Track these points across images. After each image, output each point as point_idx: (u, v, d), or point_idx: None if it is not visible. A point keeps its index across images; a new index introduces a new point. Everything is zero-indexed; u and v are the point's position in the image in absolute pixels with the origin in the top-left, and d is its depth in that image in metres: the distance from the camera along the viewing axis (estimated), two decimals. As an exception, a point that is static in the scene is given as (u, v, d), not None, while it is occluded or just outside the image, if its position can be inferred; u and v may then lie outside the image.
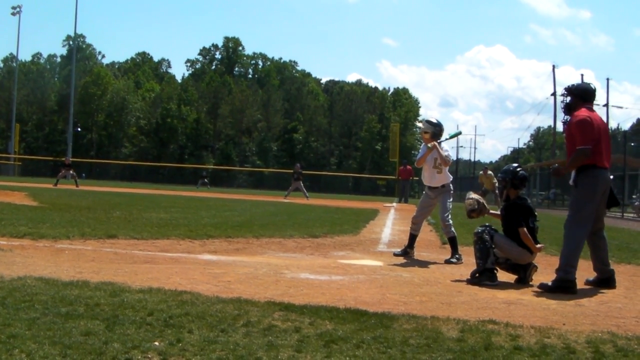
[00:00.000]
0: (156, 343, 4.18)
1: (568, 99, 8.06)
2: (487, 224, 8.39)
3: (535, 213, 8.38)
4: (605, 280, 7.96)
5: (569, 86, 8.12)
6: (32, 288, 5.70)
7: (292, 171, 41.61)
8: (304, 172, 43.04)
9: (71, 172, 43.65)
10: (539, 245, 8.12)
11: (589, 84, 8.31)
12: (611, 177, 8.07)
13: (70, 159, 47.69)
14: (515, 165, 8.75)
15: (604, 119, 8.19)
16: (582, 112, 7.76)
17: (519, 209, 8.20)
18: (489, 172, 34.42)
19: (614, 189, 8.12)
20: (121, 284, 6.17)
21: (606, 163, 7.80)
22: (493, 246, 7.98)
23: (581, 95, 7.99)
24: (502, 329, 5.03)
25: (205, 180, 60.27)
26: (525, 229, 8.00)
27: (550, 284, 7.50)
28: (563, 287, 7.39)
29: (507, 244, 8.02)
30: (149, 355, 3.94)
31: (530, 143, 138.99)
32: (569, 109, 8.02)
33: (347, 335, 4.60)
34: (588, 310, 6.19)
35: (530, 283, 7.97)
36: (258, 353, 4.08)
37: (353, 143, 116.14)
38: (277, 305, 5.53)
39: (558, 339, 4.81)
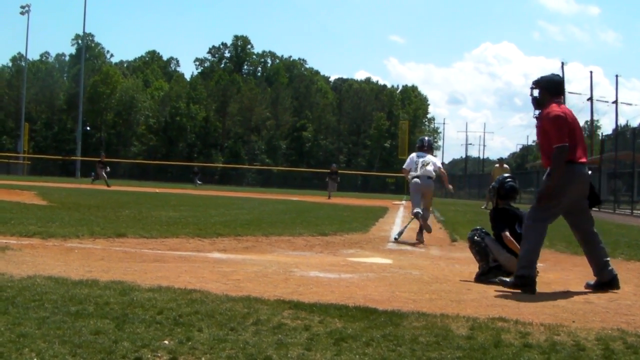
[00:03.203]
0: (166, 342, 4.18)
1: (536, 92, 7.75)
2: (477, 227, 8.37)
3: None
4: (606, 284, 7.51)
5: (537, 79, 7.78)
6: (41, 287, 5.72)
7: (328, 171, 41.61)
8: (313, 170, 43.26)
9: (107, 170, 43.71)
10: None
11: (556, 75, 7.95)
12: (589, 172, 7.78)
13: (105, 157, 47.88)
14: (507, 175, 8.71)
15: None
16: (555, 108, 7.47)
17: (503, 215, 8.13)
18: (505, 165, 32.33)
19: (594, 185, 7.82)
20: (131, 283, 6.18)
21: (584, 158, 7.53)
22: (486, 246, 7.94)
23: (548, 88, 7.68)
24: (512, 327, 5.02)
25: (198, 176, 60.46)
26: (507, 234, 7.89)
27: (509, 280, 7.28)
28: (522, 285, 7.10)
29: (496, 248, 7.93)
30: (159, 354, 3.95)
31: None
32: (538, 103, 7.70)
33: (357, 333, 4.60)
34: (598, 308, 6.17)
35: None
36: (268, 351, 4.08)
37: (362, 141, 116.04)
38: (286, 303, 5.53)
39: (568, 337, 4.80)
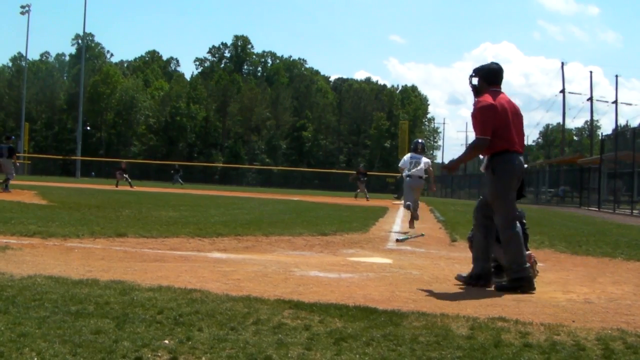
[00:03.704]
0: (166, 341, 4.18)
1: (475, 80, 7.66)
2: None
3: (524, 220, 8.23)
4: (479, 276, 7.38)
5: (476, 68, 7.67)
6: (42, 287, 5.72)
7: (355, 172, 41.51)
8: (313, 170, 43.15)
9: (125, 175, 44.32)
10: (527, 252, 7.94)
11: (495, 64, 7.87)
12: (525, 165, 7.74)
13: (125, 163, 48.51)
14: None
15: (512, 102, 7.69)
16: (487, 98, 7.40)
17: None
18: None
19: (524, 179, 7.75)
20: (131, 283, 6.18)
21: (519, 147, 7.48)
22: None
23: (486, 77, 7.60)
24: (512, 326, 5.02)
25: (179, 174, 60.45)
26: None
27: (506, 284, 7.22)
28: (521, 286, 7.05)
29: (497, 248, 7.88)
30: (159, 354, 3.95)
31: (540, 140, 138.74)
32: (476, 91, 7.63)
33: (357, 333, 4.60)
34: (597, 308, 6.17)
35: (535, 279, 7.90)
36: (268, 351, 4.08)
37: (362, 141, 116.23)
38: (286, 303, 5.53)
39: (568, 336, 4.80)
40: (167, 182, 63.89)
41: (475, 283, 7.34)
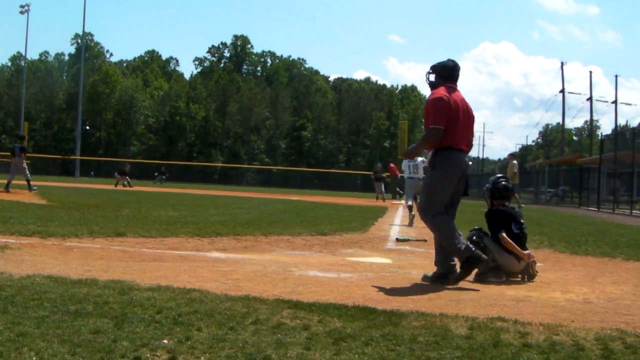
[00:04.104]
0: (165, 341, 4.18)
1: (432, 77, 7.77)
2: (476, 227, 8.33)
3: (522, 220, 8.22)
4: (444, 275, 7.44)
5: (433, 65, 7.76)
6: (40, 286, 5.72)
7: (371, 172, 41.42)
8: (312, 170, 42.98)
9: (127, 179, 44.17)
10: (526, 252, 7.96)
11: (451, 60, 7.94)
12: (469, 163, 7.76)
13: (128, 168, 48.01)
14: (499, 175, 8.68)
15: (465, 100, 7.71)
16: (440, 91, 7.50)
17: (498, 216, 8.09)
18: (514, 161, 31.39)
19: (467, 177, 7.81)
20: (130, 282, 6.18)
21: (464, 146, 7.54)
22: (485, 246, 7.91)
23: (441, 73, 7.71)
24: (511, 326, 5.02)
25: (164, 176, 60.59)
26: (504, 234, 7.85)
27: (458, 272, 7.39)
28: (470, 266, 7.32)
29: (495, 249, 7.88)
30: (158, 353, 3.94)
31: (539, 140, 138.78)
32: (433, 87, 7.72)
33: (356, 333, 4.60)
34: (597, 308, 6.16)
35: (534, 279, 7.91)
36: (267, 351, 4.08)
37: (361, 140, 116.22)
38: (285, 302, 5.53)
39: (567, 336, 4.79)
40: (167, 182, 63.86)
41: (441, 281, 7.42)
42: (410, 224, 16.74)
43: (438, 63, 7.79)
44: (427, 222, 7.55)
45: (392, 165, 39.68)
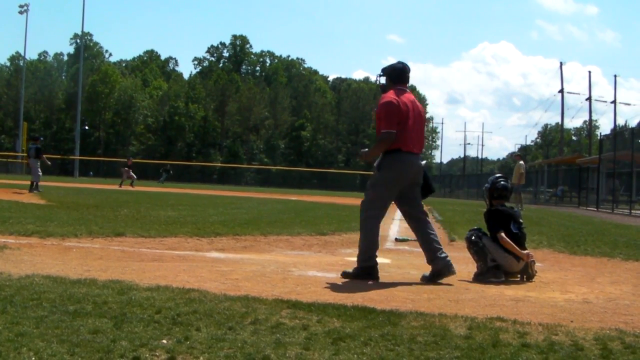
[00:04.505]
0: (164, 341, 4.18)
1: (383, 79, 7.85)
2: (475, 227, 8.32)
3: (521, 220, 8.21)
4: (439, 272, 7.51)
5: (383, 67, 7.84)
6: (39, 286, 5.71)
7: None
8: (312, 169, 42.99)
9: (131, 172, 43.91)
10: (525, 252, 7.95)
11: (400, 63, 8.01)
12: (422, 162, 7.83)
13: (132, 160, 47.91)
14: (498, 175, 8.67)
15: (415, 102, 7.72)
16: (390, 94, 7.57)
17: (497, 216, 8.08)
18: (521, 162, 30.67)
19: (429, 176, 7.96)
20: (129, 282, 6.18)
21: (414, 148, 7.60)
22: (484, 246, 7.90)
23: (391, 75, 7.79)
24: (510, 326, 5.02)
25: (167, 174, 60.45)
26: (502, 234, 7.83)
27: (351, 270, 7.53)
28: (366, 274, 7.40)
29: (494, 249, 7.87)
30: (157, 353, 3.94)
31: (538, 140, 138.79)
32: (384, 90, 7.80)
33: (355, 333, 4.59)
34: (596, 308, 6.16)
35: (533, 279, 7.90)
36: (266, 351, 4.08)
37: (360, 140, 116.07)
38: (284, 302, 5.52)
39: (566, 336, 4.79)
40: (167, 182, 63.81)
41: (440, 277, 7.53)
42: None
43: (388, 66, 7.88)
44: (360, 218, 7.68)
45: None
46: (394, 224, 17.24)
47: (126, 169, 44.12)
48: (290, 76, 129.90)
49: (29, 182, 26.48)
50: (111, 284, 6.03)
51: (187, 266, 7.86)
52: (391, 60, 8.24)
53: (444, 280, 7.52)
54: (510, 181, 8.88)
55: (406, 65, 7.91)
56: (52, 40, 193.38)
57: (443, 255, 7.57)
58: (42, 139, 31.18)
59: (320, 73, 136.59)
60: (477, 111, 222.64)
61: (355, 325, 4.83)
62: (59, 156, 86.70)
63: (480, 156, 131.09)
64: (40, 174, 27.09)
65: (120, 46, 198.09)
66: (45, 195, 22.75)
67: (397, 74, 7.79)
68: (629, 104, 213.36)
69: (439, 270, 7.50)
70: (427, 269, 7.83)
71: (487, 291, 7.00)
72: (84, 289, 5.69)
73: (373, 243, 7.58)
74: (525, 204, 34.64)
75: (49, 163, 30.39)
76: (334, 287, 6.83)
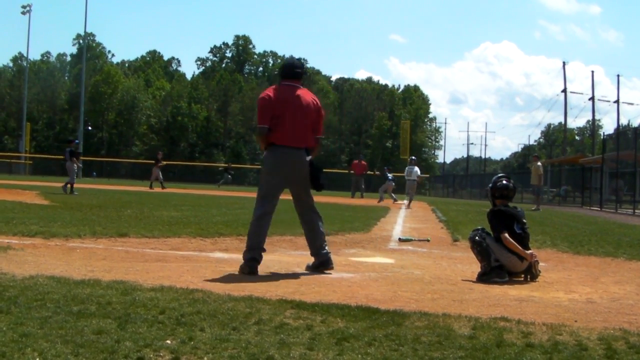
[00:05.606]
0: (168, 341, 4.18)
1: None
2: (479, 227, 8.29)
3: (524, 220, 8.19)
4: (322, 264, 7.95)
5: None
6: (43, 287, 5.72)
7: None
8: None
9: (160, 175, 40.46)
10: (529, 252, 7.93)
11: (290, 58, 8.21)
12: (308, 158, 7.98)
13: (161, 154, 43.86)
14: (500, 175, 8.65)
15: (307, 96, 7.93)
16: (266, 91, 7.85)
17: (500, 216, 8.06)
18: (538, 163, 30.70)
19: (320, 171, 8.17)
20: (133, 283, 6.18)
21: (292, 142, 7.75)
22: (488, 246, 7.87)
23: (280, 70, 8.12)
24: (514, 326, 5.01)
25: (231, 175, 57.39)
26: (506, 234, 7.82)
27: (241, 265, 7.69)
28: (248, 267, 7.54)
29: (498, 249, 7.85)
30: (161, 354, 3.94)
31: (541, 140, 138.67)
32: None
33: (359, 333, 4.59)
34: (600, 307, 6.16)
35: (537, 279, 7.89)
36: (270, 351, 4.08)
37: (363, 140, 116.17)
38: (288, 303, 5.52)
39: (570, 336, 4.79)
40: (169, 183, 63.75)
41: (321, 270, 7.92)
42: (407, 207, 27.43)
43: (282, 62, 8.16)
44: (252, 218, 8.01)
45: (363, 163, 40.14)
46: (397, 225, 17.24)
47: (158, 166, 40.22)
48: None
49: (31, 183, 26.48)
50: (115, 284, 6.03)
51: (191, 266, 7.86)
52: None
53: (449, 282, 7.51)
54: (530, 182, 8.86)
55: (297, 60, 8.20)
56: (54, 40, 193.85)
57: (325, 251, 8.00)
58: (77, 142, 31.37)
59: (323, 73, 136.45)
60: (480, 111, 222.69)
61: (359, 325, 4.83)
62: (62, 157, 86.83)
63: (483, 156, 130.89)
64: (76, 175, 27.51)
65: (123, 47, 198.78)
66: (48, 196, 22.76)
67: (286, 70, 7.99)
68: (632, 104, 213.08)
69: (323, 263, 7.96)
70: (430, 269, 7.83)
71: (491, 291, 6.99)
72: (87, 290, 5.69)
73: (257, 239, 7.79)
74: (528, 204, 34.59)
75: (80, 165, 30.77)
76: (337, 287, 6.82)
